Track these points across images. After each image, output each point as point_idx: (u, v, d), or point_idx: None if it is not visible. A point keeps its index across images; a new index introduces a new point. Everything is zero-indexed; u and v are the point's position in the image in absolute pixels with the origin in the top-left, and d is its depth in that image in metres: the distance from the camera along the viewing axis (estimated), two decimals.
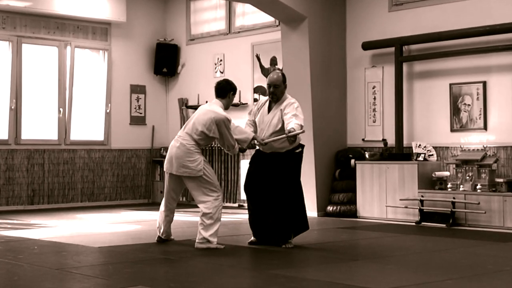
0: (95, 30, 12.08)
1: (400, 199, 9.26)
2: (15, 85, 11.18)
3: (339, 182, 10.13)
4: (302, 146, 6.98)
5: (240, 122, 11.24)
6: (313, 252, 6.84)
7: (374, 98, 10.28)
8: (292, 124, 6.54)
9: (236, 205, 11.59)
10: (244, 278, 5.44)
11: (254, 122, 7.12)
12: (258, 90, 11.37)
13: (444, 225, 8.76)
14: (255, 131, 7.03)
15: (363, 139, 10.37)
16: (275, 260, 6.33)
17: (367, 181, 9.73)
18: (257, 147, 7.02)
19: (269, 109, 6.96)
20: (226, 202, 11.61)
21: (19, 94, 11.23)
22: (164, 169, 7.00)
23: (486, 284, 5.16)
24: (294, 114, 6.66)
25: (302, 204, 6.99)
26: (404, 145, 9.76)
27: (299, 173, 6.97)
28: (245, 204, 11.30)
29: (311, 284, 5.18)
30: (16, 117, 11.20)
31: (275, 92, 6.88)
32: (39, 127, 11.52)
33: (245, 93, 11.53)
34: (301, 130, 6.55)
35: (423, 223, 9.00)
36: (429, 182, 9.23)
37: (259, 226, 6.98)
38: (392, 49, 9.88)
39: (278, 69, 10.54)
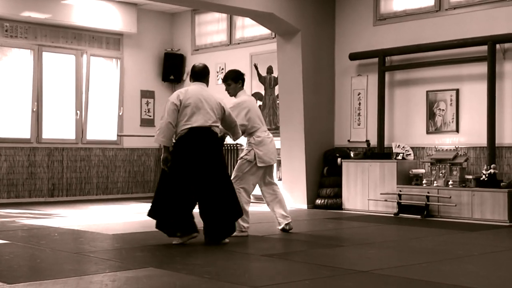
0: (109, 40, 12.07)
1: (381, 193, 9.30)
2: (37, 90, 11.17)
3: (327, 178, 10.17)
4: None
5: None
6: (302, 238, 6.85)
7: (359, 104, 10.34)
8: None
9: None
10: (248, 262, 5.42)
11: None
12: (255, 96, 11.39)
13: (419, 216, 8.79)
14: None
15: (348, 140, 10.41)
16: (265, 244, 6.38)
17: (351, 177, 9.77)
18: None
19: None
20: None
21: (40, 97, 11.21)
22: (266, 164, 6.72)
23: (457, 267, 5.21)
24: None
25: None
26: (385, 146, 9.79)
27: None
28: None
29: (302, 266, 5.23)
30: (38, 119, 11.18)
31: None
32: (58, 127, 11.48)
33: None
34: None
35: (400, 214, 9.04)
36: (406, 178, 9.27)
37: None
38: (376, 59, 9.91)
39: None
